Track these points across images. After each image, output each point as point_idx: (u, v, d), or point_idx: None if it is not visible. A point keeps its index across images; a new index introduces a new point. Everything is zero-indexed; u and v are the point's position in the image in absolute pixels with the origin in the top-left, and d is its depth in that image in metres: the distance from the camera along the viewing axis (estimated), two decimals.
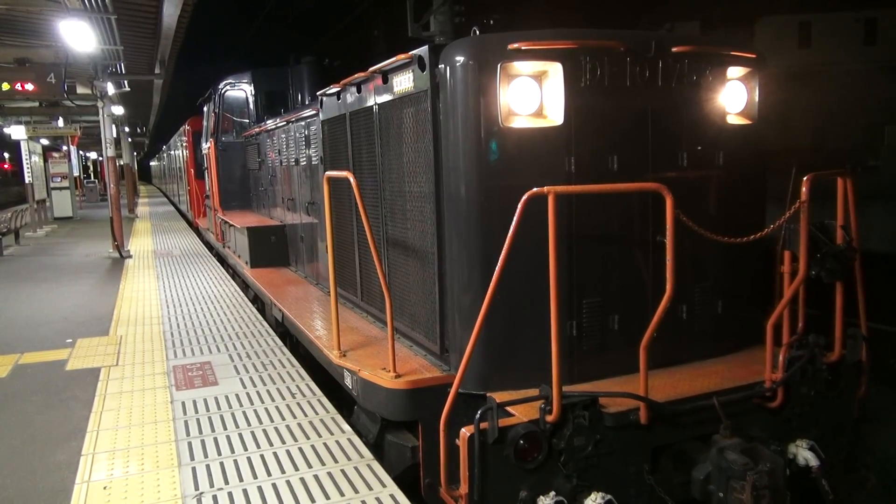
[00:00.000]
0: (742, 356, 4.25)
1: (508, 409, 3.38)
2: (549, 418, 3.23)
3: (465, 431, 3.22)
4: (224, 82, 11.08)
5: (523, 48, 3.63)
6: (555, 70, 3.68)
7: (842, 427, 4.05)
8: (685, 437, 3.65)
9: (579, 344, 3.85)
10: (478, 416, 3.21)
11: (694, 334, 4.16)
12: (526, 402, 3.35)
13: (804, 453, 3.80)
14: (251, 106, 10.89)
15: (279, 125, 8.27)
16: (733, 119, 4.24)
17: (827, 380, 3.90)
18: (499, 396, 3.49)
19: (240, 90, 11.06)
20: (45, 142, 24.71)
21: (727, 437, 3.49)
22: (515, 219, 3.12)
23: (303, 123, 7.08)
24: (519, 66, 3.67)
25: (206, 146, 12.15)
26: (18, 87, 14.62)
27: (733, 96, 4.20)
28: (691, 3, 29.75)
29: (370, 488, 3.52)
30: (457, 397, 3.40)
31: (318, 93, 6.12)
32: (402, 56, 4.08)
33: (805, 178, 3.51)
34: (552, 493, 3.30)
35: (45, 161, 23.07)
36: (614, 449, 3.43)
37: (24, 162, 19.46)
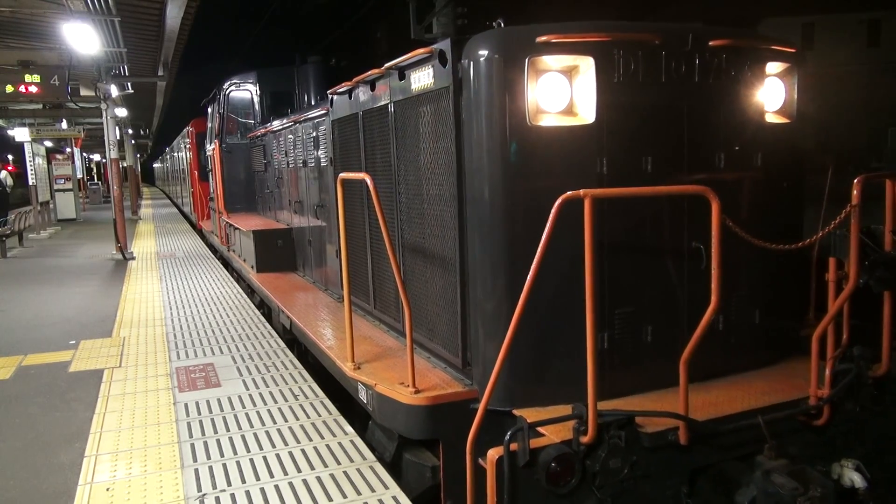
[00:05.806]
0: (780, 369, 4.01)
1: (537, 428, 3.15)
2: (584, 439, 2.99)
3: (493, 453, 2.97)
4: (229, 82, 10.86)
5: (553, 41, 3.39)
6: (586, 65, 3.45)
7: (888, 444, 3.80)
8: (725, 458, 3.41)
9: (611, 357, 3.61)
10: (507, 437, 2.96)
11: (730, 346, 3.92)
12: (559, 421, 3.11)
13: (850, 474, 3.55)
14: (256, 106, 10.67)
15: (286, 126, 8.05)
16: (771, 118, 4.00)
17: (873, 395, 3.67)
18: (525, 413, 3.27)
19: (245, 90, 10.83)
20: (48, 144, 24.61)
21: (772, 458, 3.25)
22: (549, 223, 2.86)
23: (311, 124, 6.86)
24: (548, 61, 3.43)
25: (211, 147, 11.94)
26: (22, 89, 14.54)
27: (771, 93, 3.96)
28: (694, 5, 29.51)
29: (372, 490, 3.47)
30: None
31: (328, 91, 5.90)
32: (422, 50, 3.84)
33: (856, 181, 3.26)
34: None
35: (49, 163, 22.97)
36: (651, 471, 3.19)
37: (28, 164, 19.37)
